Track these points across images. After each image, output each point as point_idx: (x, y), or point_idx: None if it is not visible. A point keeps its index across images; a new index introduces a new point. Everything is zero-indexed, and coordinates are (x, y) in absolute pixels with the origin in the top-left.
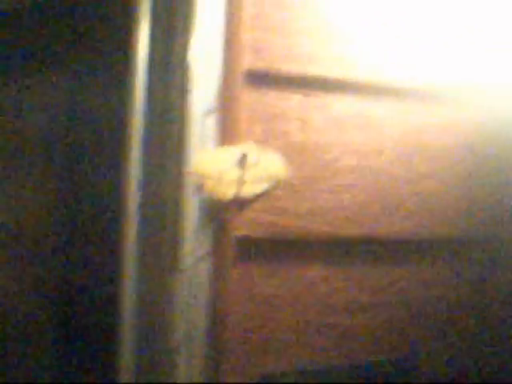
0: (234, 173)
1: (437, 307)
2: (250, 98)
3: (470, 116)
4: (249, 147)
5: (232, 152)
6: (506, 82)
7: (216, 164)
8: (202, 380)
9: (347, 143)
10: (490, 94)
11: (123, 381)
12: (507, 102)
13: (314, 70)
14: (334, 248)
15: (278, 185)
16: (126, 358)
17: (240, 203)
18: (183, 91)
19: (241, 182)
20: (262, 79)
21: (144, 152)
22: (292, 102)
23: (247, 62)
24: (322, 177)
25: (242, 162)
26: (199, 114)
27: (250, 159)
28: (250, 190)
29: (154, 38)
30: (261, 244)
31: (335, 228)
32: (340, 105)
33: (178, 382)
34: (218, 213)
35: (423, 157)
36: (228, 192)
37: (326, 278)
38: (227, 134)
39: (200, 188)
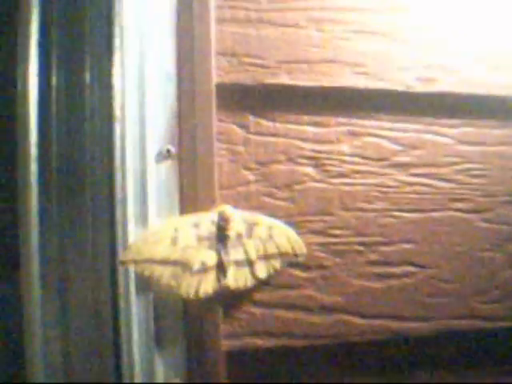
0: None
1: None
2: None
3: None
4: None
5: (204, 220)
6: None
7: (179, 241)
8: None
9: None
10: None
11: None
12: None
13: None
14: None
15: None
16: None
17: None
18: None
19: (225, 265)
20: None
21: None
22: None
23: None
24: None
25: (223, 234)
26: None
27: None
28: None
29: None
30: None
31: None
32: None
33: None
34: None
35: None
36: (205, 283)
37: None
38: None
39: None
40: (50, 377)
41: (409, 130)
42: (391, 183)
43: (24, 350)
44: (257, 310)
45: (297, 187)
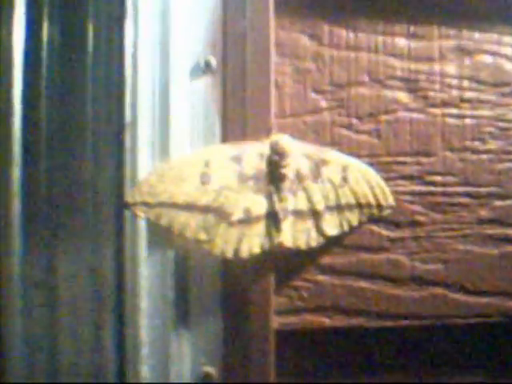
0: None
1: None
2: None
3: None
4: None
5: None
6: None
7: (213, 179)
8: None
9: None
10: None
11: None
12: None
13: None
14: None
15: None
16: None
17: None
18: None
19: (279, 215)
20: None
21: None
22: None
23: None
24: None
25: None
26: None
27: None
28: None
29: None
30: None
31: None
32: None
33: None
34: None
35: None
36: (249, 239)
37: None
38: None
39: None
40: (32, 355)
41: None
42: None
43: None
44: (324, 279)
45: (385, 117)
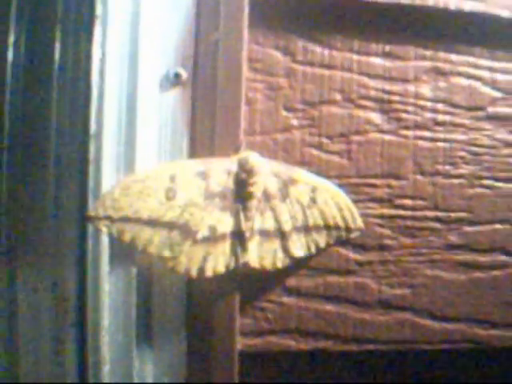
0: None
1: None
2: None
3: None
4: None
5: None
6: None
7: (178, 194)
8: None
9: None
10: None
11: None
12: None
13: None
14: None
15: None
16: None
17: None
18: None
19: (245, 234)
20: None
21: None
22: None
23: None
24: None
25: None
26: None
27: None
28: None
29: None
30: None
31: None
32: None
33: None
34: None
35: None
36: (214, 258)
37: None
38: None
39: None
40: None
41: None
42: (485, 142)
43: None
44: (290, 300)
45: (356, 138)
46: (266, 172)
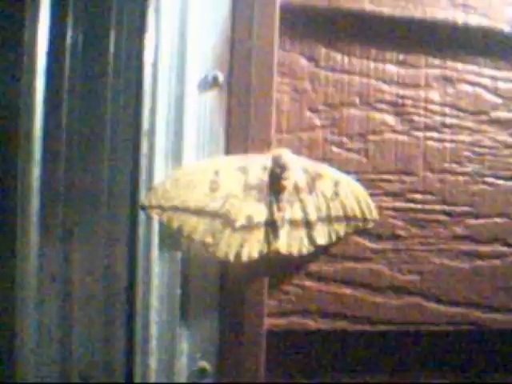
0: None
1: None
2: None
3: None
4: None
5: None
6: None
7: (221, 187)
8: None
9: None
10: None
11: None
12: None
13: None
14: None
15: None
16: None
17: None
18: None
19: (277, 223)
20: None
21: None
22: None
23: None
24: None
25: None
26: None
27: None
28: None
29: None
30: None
31: None
32: None
33: None
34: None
35: None
36: (250, 244)
37: None
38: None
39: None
40: (46, 346)
41: None
42: (488, 143)
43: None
44: (311, 284)
45: (372, 138)
46: (297, 167)
